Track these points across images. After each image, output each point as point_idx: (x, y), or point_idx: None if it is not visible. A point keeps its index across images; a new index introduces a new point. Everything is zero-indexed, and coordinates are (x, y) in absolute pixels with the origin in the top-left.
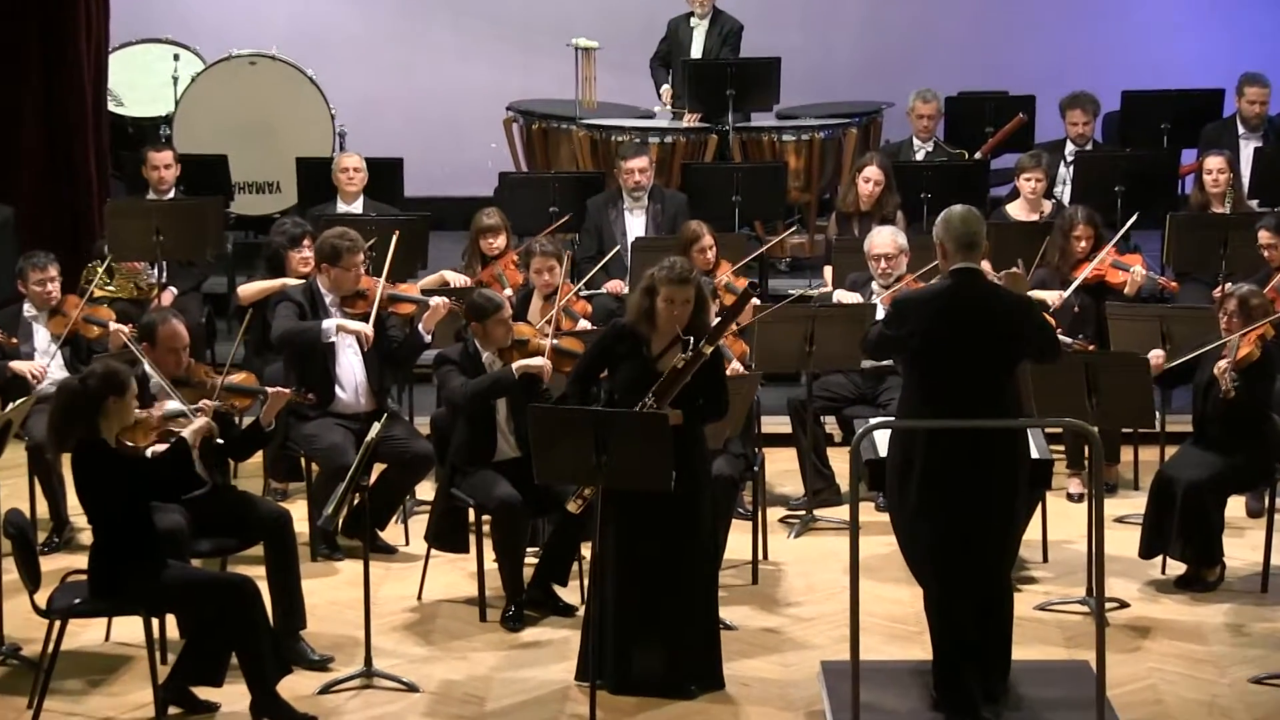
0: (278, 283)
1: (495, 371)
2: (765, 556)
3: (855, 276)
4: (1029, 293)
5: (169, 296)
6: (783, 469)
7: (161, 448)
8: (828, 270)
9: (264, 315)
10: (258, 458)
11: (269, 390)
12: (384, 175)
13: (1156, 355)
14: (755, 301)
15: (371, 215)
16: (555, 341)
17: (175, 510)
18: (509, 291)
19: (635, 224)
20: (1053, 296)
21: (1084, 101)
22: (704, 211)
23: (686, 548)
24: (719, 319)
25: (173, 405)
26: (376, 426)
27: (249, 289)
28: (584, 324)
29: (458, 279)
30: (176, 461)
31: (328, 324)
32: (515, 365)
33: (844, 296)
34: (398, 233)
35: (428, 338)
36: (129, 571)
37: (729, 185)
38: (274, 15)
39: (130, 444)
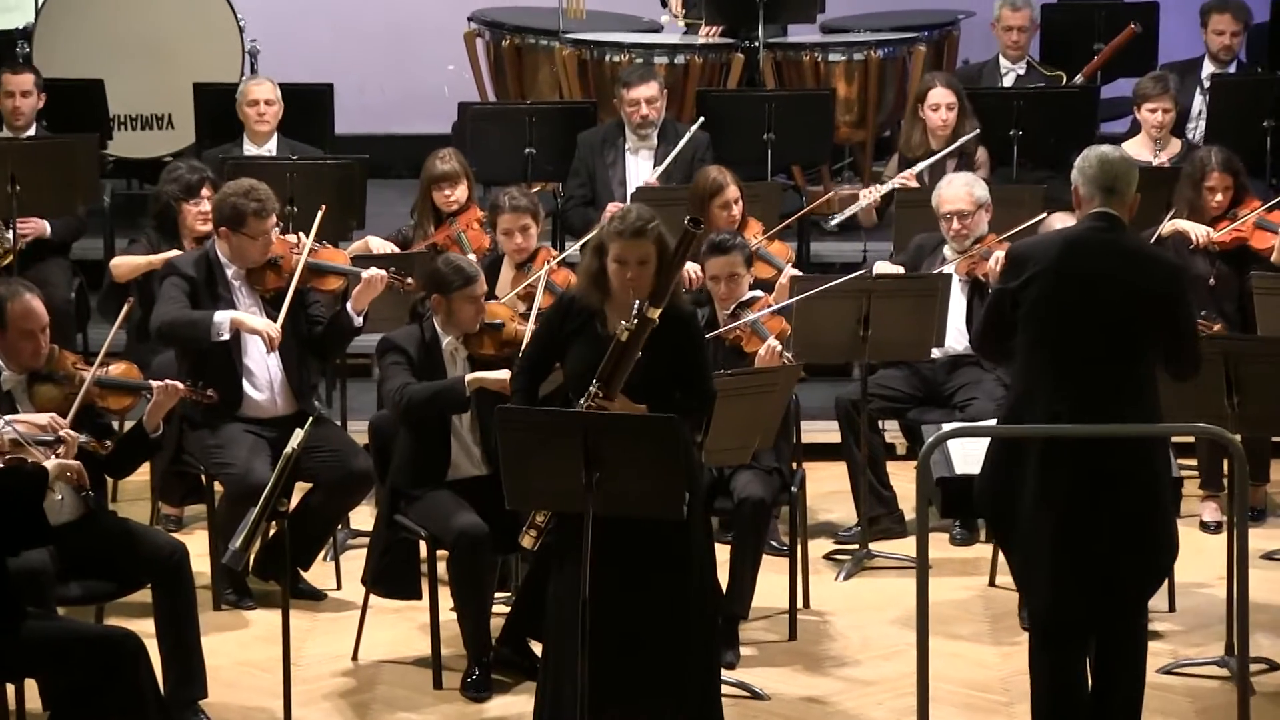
0: (159, 258)
1: (439, 382)
2: (806, 604)
3: (922, 239)
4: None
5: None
6: (829, 489)
7: None
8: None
9: (151, 291)
10: (143, 474)
11: (155, 386)
12: (307, 107)
13: None
14: (793, 272)
15: (290, 159)
16: (534, 327)
17: None
18: (471, 259)
19: (640, 169)
20: (1199, 232)
21: (1233, 7)
22: (727, 154)
23: (673, 587)
24: (662, 270)
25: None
26: (299, 435)
27: (124, 264)
28: None
29: (384, 247)
30: (21, 502)
31: (220, 318)
32: (469, 379)
33: (884, 269)
34: (324, 206)
35: (359, 320)
36: None
37: (758, 120)
38: None
39: None
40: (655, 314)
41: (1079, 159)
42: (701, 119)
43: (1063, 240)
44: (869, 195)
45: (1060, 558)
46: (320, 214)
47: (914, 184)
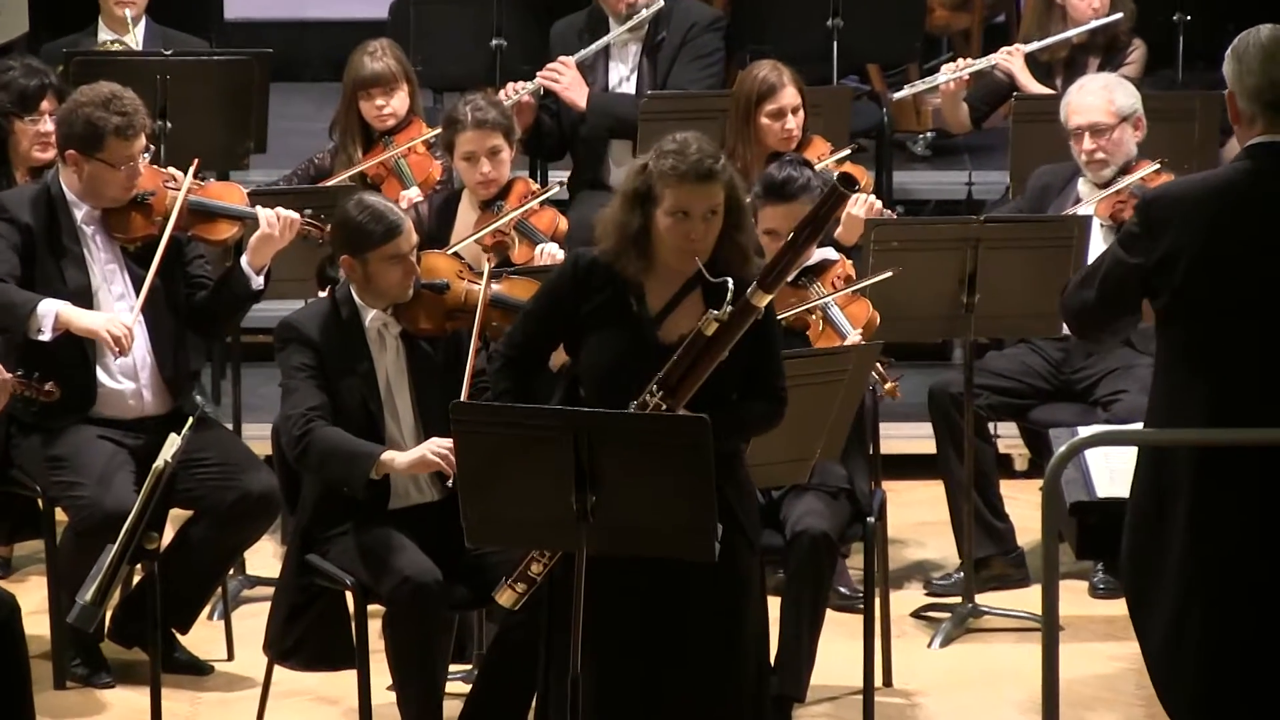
0: None
1: (359, 445)
2: (887, 681)
3: (1049, 173)
4: None
5: None
6: (920, 519)
7: None
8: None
9: None
10: None
11: None
12: None
13: None
14: (869, 200)
15: (163, 54)
16: (498, 288)
17: None
18: (416, 196)
19: (623, 70)
20: None
21: None
22: (774, 46)
23: (714, 664)
24: (784, 245)
25: None
26: (173, 442)
27: None
28: (556, 252)
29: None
30: None
31: (44, 310)
32: (382, 459)
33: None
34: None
35: (259, 280)
36: None
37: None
38: None
39: None
40: (764, 302)
41: (1231, 52)
42: None
43: (1214, 193)
44: (953, 72)
45: (1217, 650)
46: (194, 164)
47: (1015, 58)
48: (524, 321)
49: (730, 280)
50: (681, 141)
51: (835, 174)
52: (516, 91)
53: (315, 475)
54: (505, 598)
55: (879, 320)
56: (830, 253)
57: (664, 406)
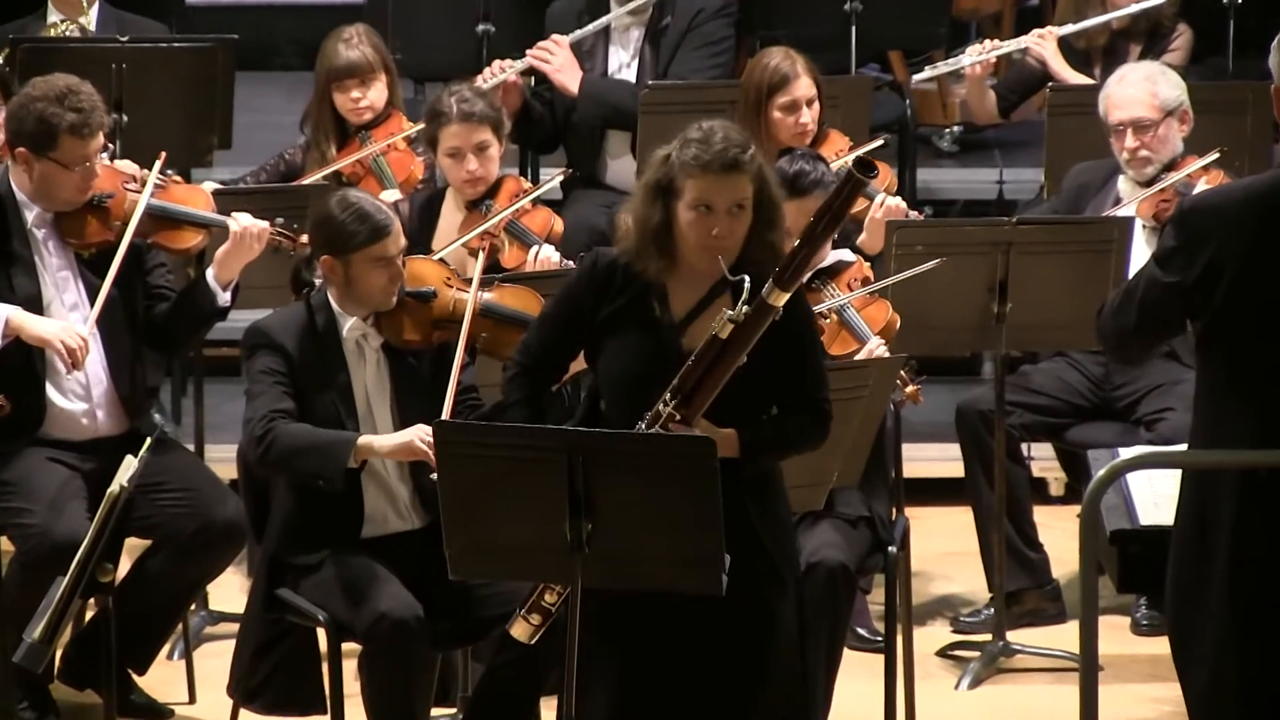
0: None
1: (327, 434)
2: None
3: (1086, 171)
4: None
5: None
6: (946, 549)
7: None
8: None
9: None
10: None
11: None
12: None
13: None
14: (892, 202)
15: (118, 41)
16: (488, 296)
17: None
18: (397, 197)
19: (623, 56)
20: None
21: None
22: (787, 32)
23: (745, 706)
24: (800, 239)
25: None
26: (130, 465)
27: None
28: (551, 255)
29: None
30: None
31: None
32: (360, 443)
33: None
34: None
35: (226, 296)
36: None
37: None
38: None
39: None
40: (782, 301)
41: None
42: None
43: (1258, 201)
44: (979, 54)
45: (1259, 695)
46: (161, 159)
47: (1048, 43)
48: (539, 327)
49: (747, 278)
50: (706, 129)
51: (850, 159)
52: (503, 70)
53: (284, 474)
54: (519, 630)
55: (899, 323)
56: (846, 254)
57: (678, 417)
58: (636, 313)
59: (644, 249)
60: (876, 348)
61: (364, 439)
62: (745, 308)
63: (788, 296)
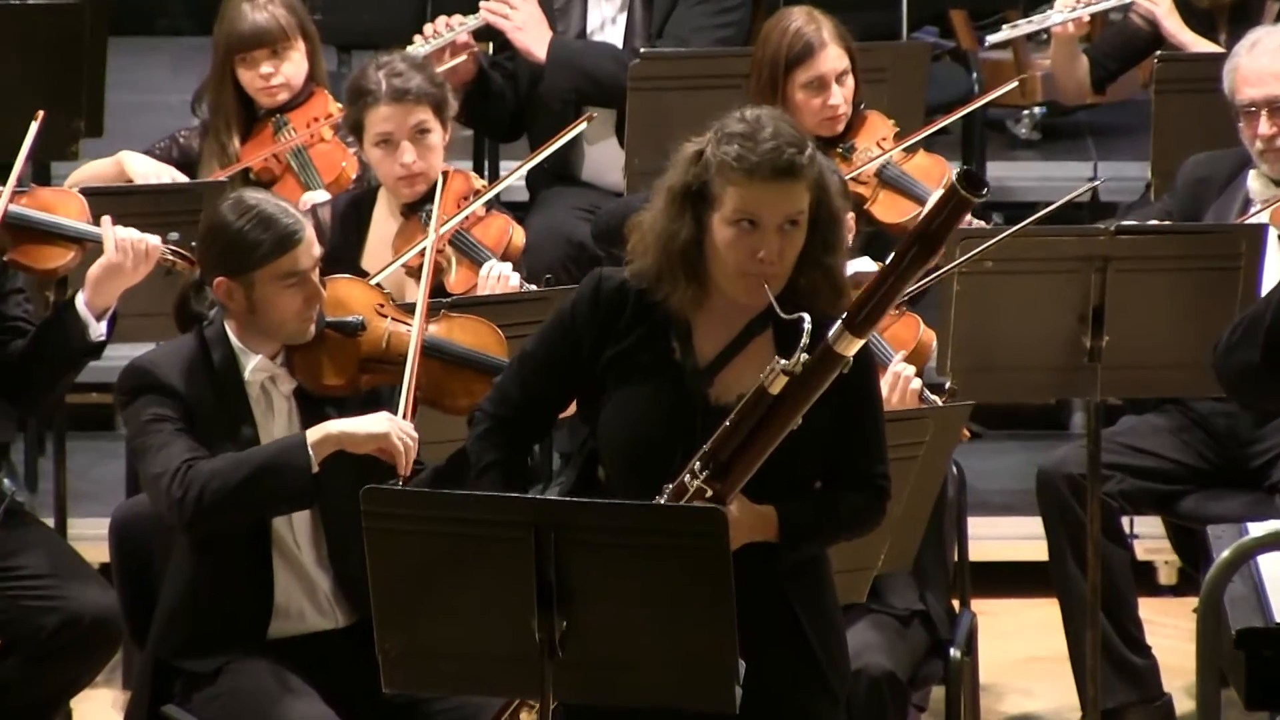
0: None
1: (260, 449)
2: None
3: (1204, 162)
4: None
5: None
6: (1026, 653)
7: None
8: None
9: None
10: None
11: None
12: None
13: None
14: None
15: None
16: (432, 329)
17: None
18: (321, 198)
19: (608, 10)
20: None
21: None
22: None
23: None
24: (884, 268)
25: None
26: None
27: None
28: (508, 277)
29: (156, 173)
30: None
31: None
32: (312, 436)
33: (861, 266)
34: (41, 113)
35: (100, 328)
36: None
37: None
38: None
39: None
40: (854, 350)
41: None
42: None
43: None
44: (1070, 10)
45: None
46: (36, 124)
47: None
48: (520, 368)
49: (807, 317)
50: (753, 121)
51: (953, 173)
52: (449, 28)
53: (235, 519)
54: None
55: (933, 345)
56: (866, 262)
57: (709, 493)
58: (651, 354)
59: (665, 272)
60: (903, 370)
61: (318, 432)
62: (804, 356)
63: (860, 344)
